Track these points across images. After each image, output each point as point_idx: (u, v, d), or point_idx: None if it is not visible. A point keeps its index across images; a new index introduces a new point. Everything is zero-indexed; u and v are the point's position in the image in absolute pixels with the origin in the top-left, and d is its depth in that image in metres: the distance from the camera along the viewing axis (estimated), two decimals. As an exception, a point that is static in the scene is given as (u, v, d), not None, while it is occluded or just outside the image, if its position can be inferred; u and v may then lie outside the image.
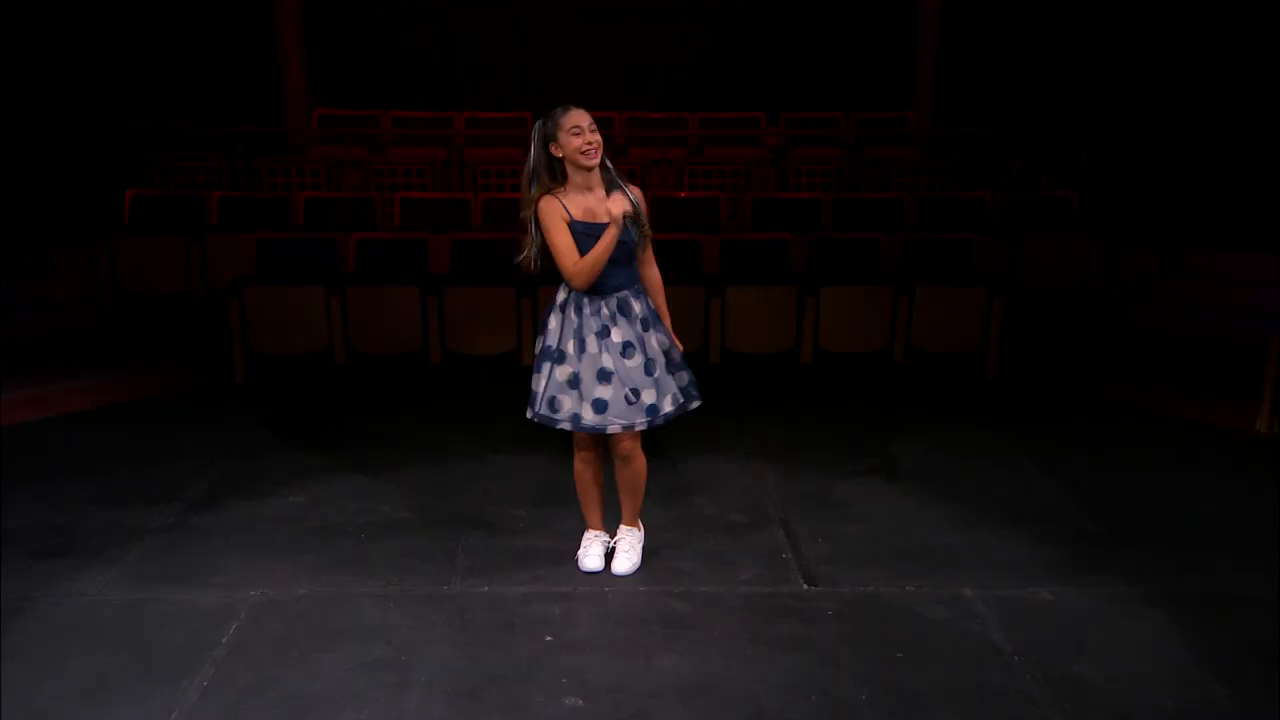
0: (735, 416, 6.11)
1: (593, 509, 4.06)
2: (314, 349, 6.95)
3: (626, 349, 3.68)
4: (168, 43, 9.93)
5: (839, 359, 7.09)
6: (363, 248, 7.38)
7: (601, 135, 3.64)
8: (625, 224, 3.61)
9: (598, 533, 4.09)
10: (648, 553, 4.11)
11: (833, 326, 7.05)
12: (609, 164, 3.68)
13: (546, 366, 3.73)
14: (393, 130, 9.95)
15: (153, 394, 6.48)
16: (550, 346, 3.73)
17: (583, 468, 3.95)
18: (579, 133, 3.59)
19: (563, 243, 3.60)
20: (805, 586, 3.93)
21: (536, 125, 3.68)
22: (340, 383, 6.86)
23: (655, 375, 3.72)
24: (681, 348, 3.83)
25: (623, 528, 4.07)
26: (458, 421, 6.02)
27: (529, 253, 3.69)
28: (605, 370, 3.67)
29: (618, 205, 3.59)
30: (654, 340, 3.74)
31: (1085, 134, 9.20)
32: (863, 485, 5.00)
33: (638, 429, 3.73)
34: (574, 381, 3.69)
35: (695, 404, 3.86)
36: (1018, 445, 5.59)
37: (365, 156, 9.28)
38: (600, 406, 3.67)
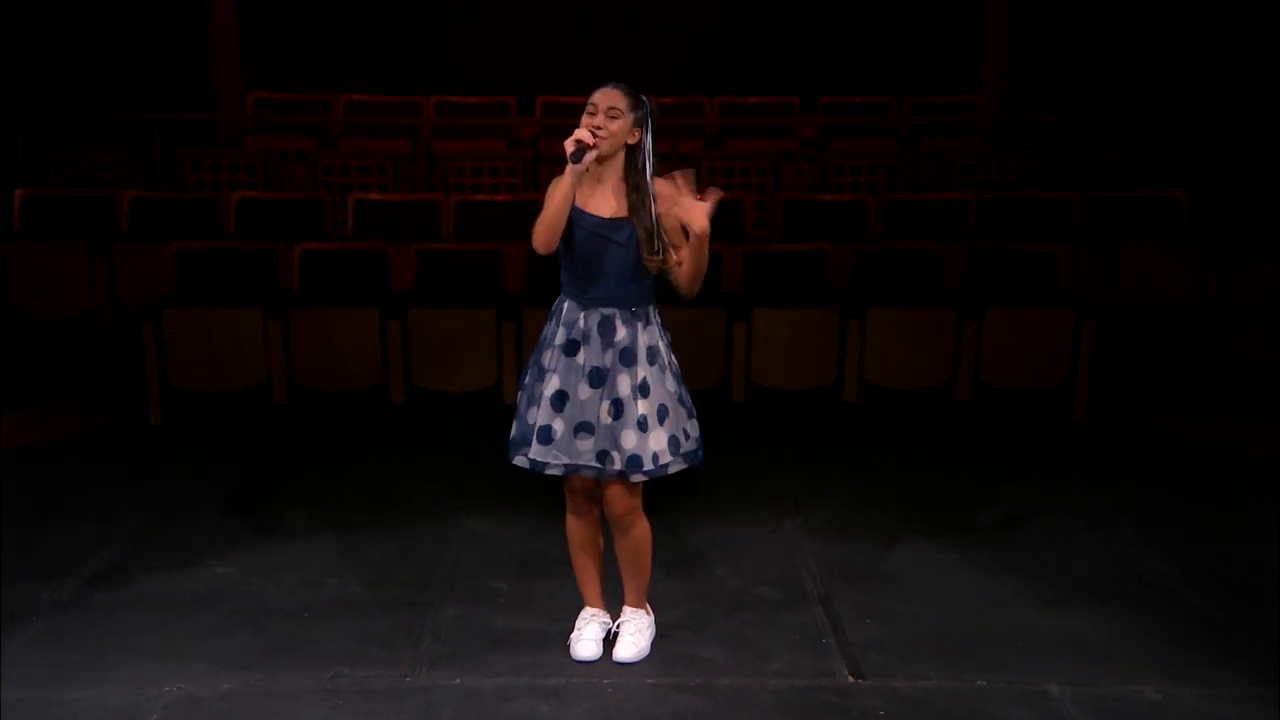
0: (764, 467, 6.09)
1: (589, 580, 4.05)
2: (248, 384, 6.95)
3: (591, 376, 3.69)
4: (69, 11, 10.01)
5: (890, 397, 7.08)
6: (309, 261, 7.41)
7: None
8: (630, 228, 3.64)
9: (595, 611, 4.07)
10: (657, 636, 4.08)
11: (882, 357, 7.04)
12: (642, 161, 3.68)
13: (529, 385, 3.81)
14: (346, 118, 10.01)
15: (47, 439, 6.46)
16: (535, 361, 3.82)
17: (575, 525, 3.95)
18: (592, 112, 3.65)
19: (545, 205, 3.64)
20: (851, 679, 3.90)
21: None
22: (281, 426, 6.85)
23: (614, 421, 3.69)
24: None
25: (628, 609, 4.05)
26: (424, 473, 6.00)
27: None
28: (559, 394, 3.71)
29: (573, 137, 3.57)
30: (624, 380, 3.70)
31: (1196, 119, 9.21)
32: (922, 553, 4.97)
33: (584, 475, 3.74)
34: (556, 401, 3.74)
35: (638, 477, 3.73)
36: (1114, 503, 5.56)
37: (313, 149, 9.32)
38: (545, 436, 3.71)
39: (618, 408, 3.70)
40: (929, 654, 4.06)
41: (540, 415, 3.73)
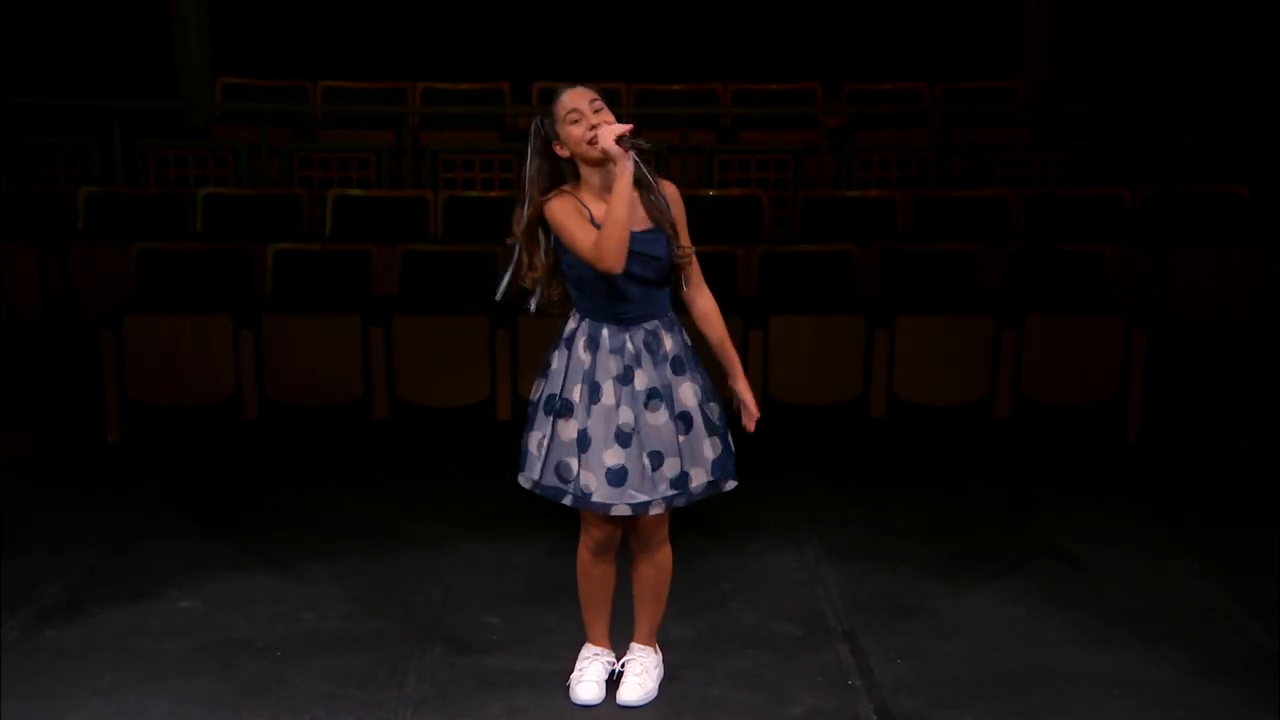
0: (781, 490, 6.09)
1: (598, 617, 4.06)
2: (216, 398, 6.96)
3: (651, 399, 3.69)
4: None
5: (921, 413, 7.08)
6: (284, 263, 7.42)
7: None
8: (663, 235, 3.68)
9: (599, 650, 4.08)
10: (665, 676, 4.09)
11: (913, 369, 7.04)
12: (636, 156, 3.68)
13: (547, 420, 3.75)
14: (324, 106, 10.02)
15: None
16: (553, 394, 3.75)
17: (591, 560, 3.95)
18: (578, 118, 3.61)
19: (581, 231, 3.58)
20: (880, 725, 3.90)
21: (533, 126, 3.71)
22: (252, 443, 6.87)
23: (685, 436, 3.73)
24: (753, 409, 3.87)
25: (635, 647, 4.06)
26: (410, 496, 6.01)
27: (539, 291, 3.77)
28: (624, 428, 3.68)
29: (609, 132, 3.55)
30: (687, 390, 3.74)
31: (1261, 108, 9.19)
32: (957, 585, 4.98)
33: (665, 507, 3.75)
34: (582, 442, 3.70)
35: (730, 484, 3.86)
36: (1170, 532, 5.57)
37: (288, 141, 9.33)
38: (617, 477, 3.68)
39: (686, 421, 3.73)
40: (965, 697, 4.06)
41: (613, 455, 3.67)
